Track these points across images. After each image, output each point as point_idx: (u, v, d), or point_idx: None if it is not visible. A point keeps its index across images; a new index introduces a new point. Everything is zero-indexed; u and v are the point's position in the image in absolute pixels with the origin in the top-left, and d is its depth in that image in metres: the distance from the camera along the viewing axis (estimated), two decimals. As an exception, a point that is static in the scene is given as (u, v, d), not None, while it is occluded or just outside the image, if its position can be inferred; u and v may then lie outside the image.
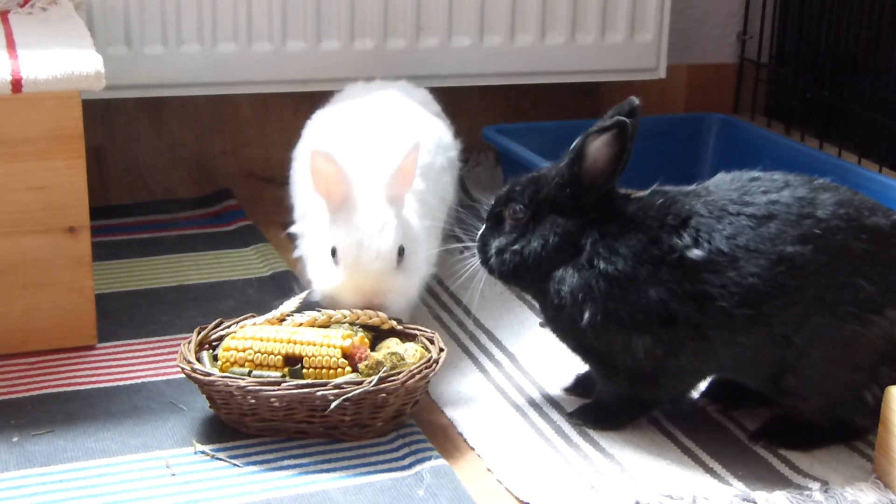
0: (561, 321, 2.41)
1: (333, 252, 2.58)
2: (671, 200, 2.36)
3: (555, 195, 2.39)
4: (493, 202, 2.48)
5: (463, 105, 3.88)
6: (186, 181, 3.69)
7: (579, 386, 2.60)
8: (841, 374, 2.29)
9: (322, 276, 2.62)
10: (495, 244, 2.44)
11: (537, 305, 2.53)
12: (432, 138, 2.98)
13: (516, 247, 2.41)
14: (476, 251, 2.50)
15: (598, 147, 2.34)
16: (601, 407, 2.47)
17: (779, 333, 2.26)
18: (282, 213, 3.58)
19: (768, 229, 2.25)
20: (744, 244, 2.25)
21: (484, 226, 2.49)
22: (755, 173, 2.37)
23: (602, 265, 2.31)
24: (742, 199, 2.30)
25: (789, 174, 2.36)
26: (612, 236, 2.33)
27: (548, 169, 2.44)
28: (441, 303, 3.03)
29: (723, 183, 2.37)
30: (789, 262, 2.24)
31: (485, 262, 2.48)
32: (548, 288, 2.39)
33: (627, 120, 2.33)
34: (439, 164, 2.97)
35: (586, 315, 2.33)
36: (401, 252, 2.59)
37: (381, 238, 2.56)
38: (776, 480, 2.29)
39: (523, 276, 2.43)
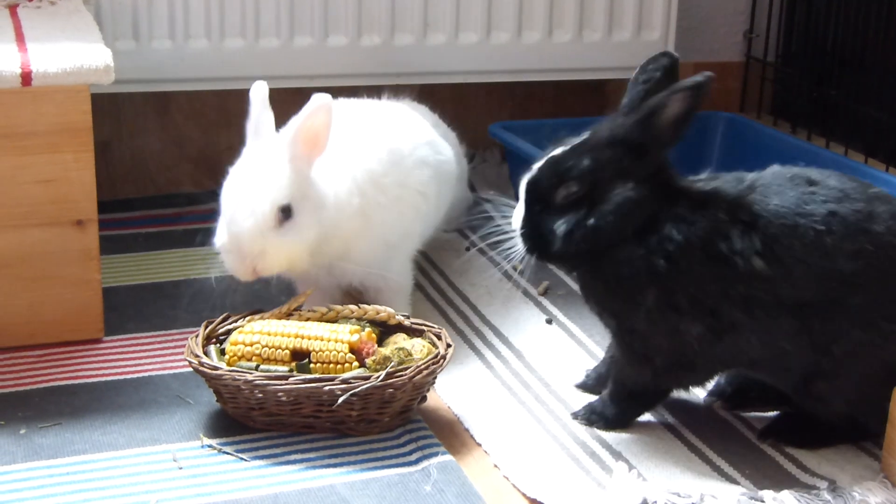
0: (613, 300, 2.34)
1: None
2: (740, 195, 2.29)
3: (619, 160, 2.26)
4: (529, 185, 2.32)
5: (469, 102, 3.88)
6: (192, 175, 3.69)
7: (590, 382, 2.60)
8: (872, 387, 2.30)
9: (216, 234, 2.54)
10: (560, 226, 2.28)
11: (577, 284, 2.45)
12: (411, 134, 2.93)
13: (590, 221, 2.26)
14: (523, 238, 2.32)
15: (676, 106, 2.24)
16: (607, 405, 2.47)
17: (819, 342, 2.26)
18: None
19: (825, 243, 2.23)
20: (801, 257, 2.23)
21: (523, 212, 2.33)
22: (811, 174, 2.33)
23: (672, 248, 2.24)
24: (803, 209, 2.25)
25: (845, 180, 2.32)
26: (683, 221, 2.26)
27: (590, 139, 2.30)
28: (447, 299, 3.03)
29: (782, 183, 2.31)
30: (841, 277, 2.23)
31: (540, 246, 2.31)
32: (602, 265, 2.30)
33: (710, 75, 2.24)
34: (417, 156, 2.88)
35: (648, 297, 2.27)
36: (286, 212, 2.48)
37: (259, 194, 2.45)
38: (784, 479, 2.29)
39: (583, 255, 2.30)
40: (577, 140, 2.32)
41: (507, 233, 2.37)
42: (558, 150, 2.31)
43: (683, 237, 2.25)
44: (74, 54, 2.59)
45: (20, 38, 2.73)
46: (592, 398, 2.53)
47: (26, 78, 2.52)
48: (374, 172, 2.73)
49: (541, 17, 3.63)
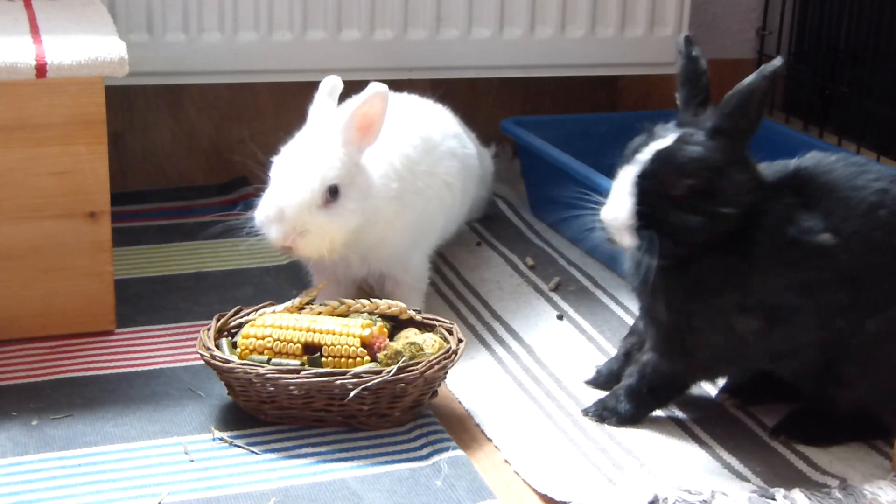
0: (691, 301, 2.30)
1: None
2: (795, 176, 2.31)
3: (725, 149, 2.23)
4: (642, 179, 2.22)
5: (481, 97, 3.88)
6: (204, 168, 3.69)
7: (601, 379, 2.60)
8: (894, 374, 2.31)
9: (260, 205, 2.57)
10: (691, 218, 2.21)
11: (657, 283, 2.30)
12: (441, 125, 3.01)
13: (723, 210, 2.22)
14: (638, 232, 2.23)
15: (763, 91, 2.22)
16: (620, 401, 2.47)
17: (858, 318, 2.27)
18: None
19: (879, 216, 2.26)
20: (857, 228, 2.25)
21: (631, 205, 2.23)
22: (854, 157, 2.39)
23: (756, 250, 2.25)
24: (855, 183, 2.29)
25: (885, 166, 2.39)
26: (764, 215, 2.25)
27: (691, 131, 2.25)
28: (458, 294, 3.03)
29: (829, 163, 2.34)
30: (892, 251, 2.26)
31: (663, 240, 2.21)
32: (689, 265, 2.26)
33: (782, 59, 2.25)
34: (446, 147, 2.96)
35: (727, 299, 2.26)
36: (334, 192, 2.52)
37: (311, 171, 2.51)
38: (794, 477, 2.29)
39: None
40: (666, 132, 2.27)
41: (595, 223, 2.31)
42: (661, 143, 2.24)
43: (766, 235, 2.25)
44: (89, 47, 2.59)
45: (35, 30, 2.74)
46: (601, 394, 2.53)
47: (41, 70, 2.53)
48: (409, 158, 2.79)
49: (554, 13, 3.63)
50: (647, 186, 2.23)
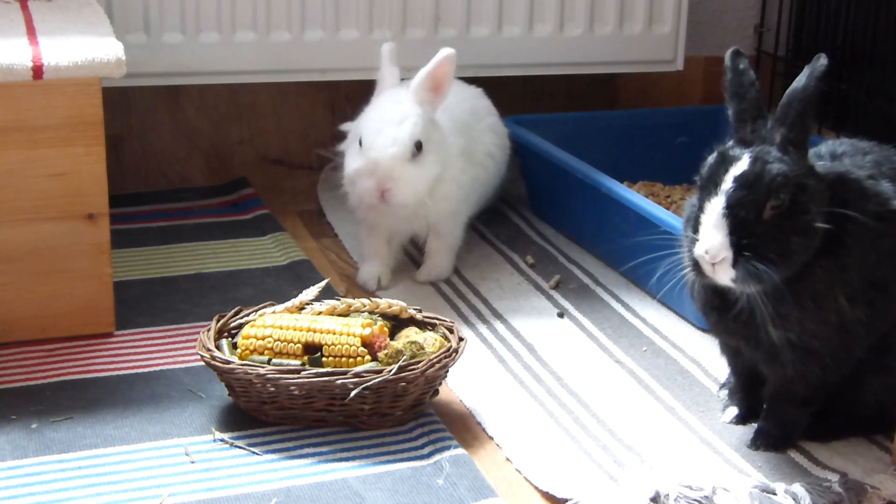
0: (808, 318, 2.21)
1: (360, 141, 2.84)
2: (845, 156, 2.33)
3: (796, 162, 2.17)
4: (731, 209, 2.12)
5: (480, 96, 3.88)
6: (203, 169, 3.69)
7: (742, 412, 2.48)
8: None
9: (349, 162, 2.88)
10: (795, 239, 2.14)
11: (765, 309, 2.19)
12: (485, 102, 3.34)
13: (817, 224, 2.15)
14: (747, 274, 2.12)
15: (816, 95, 2.19)
16: (782, 425, 2.38)
17: None
18: (298, 202, 3.60)
19: None
20: None
21: (723, 239, 2.13)
22: (865, 143, 2.43)
23: (849, 241, 2.20)
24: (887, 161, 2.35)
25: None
26: (843, 203, 2.20)
27: (761, 146, 2.17)
28: (459, 292, 3.02)
29: (851, 148, 2.38)
30: None
31: (770, 270, 2.12)
32: (794, 282, 2.17)
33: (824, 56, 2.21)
34: (488, 122, 3.27)
35: (839, 300, 2.21)
36: (419, 147, 2.83)
37: (399, 127, 2.81)
38: (795, 472, 2.29)
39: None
40: (737, 152, 2.17)
41: (679, 264, 2.23)
42: (739, 166, 2.14)
43: (848, 222, 2.19)
44: (86, 48, 2.59)
45: (31, 31, 2.73)
46: (604, 398, 2.53)
47: (38, 71, 2.52)
48: (464, 122, 3.13)
49: (552, 11, 3.62)
50: (738, 215, 2.12)
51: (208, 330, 2.48)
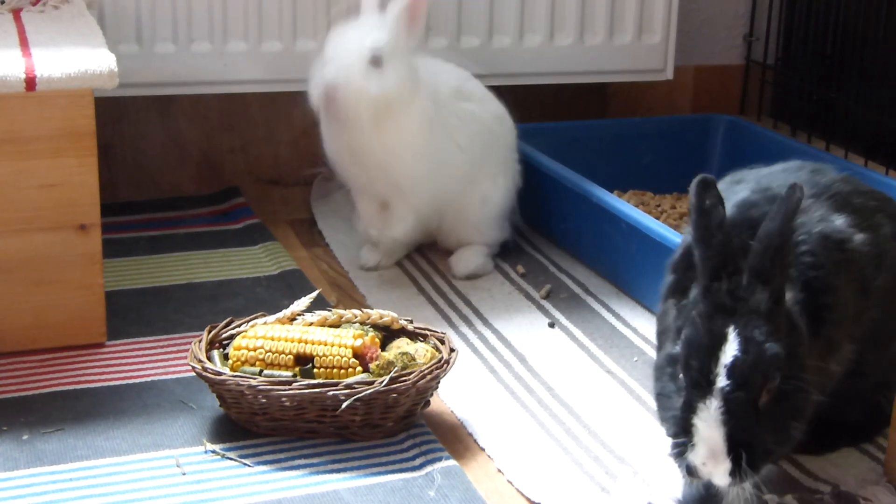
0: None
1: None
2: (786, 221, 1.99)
3: (784, 318, 2.00)
4: (733, 437, 1.91)
5: (470, 105, 3.88)
6: (195, 179, 3.69)
7: None
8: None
9: (312, 74, 2.88)
10: (782, 435, 1.98)
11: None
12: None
13: (812, 396, 2.01)
14: (745, 475, 1.94)
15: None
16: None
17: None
18: (289, 211, 3.61)
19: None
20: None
21: (729, 467, 1.93)
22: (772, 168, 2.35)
23: (831, 327, 2.11)
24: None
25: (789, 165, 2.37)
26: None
27: (746, 317, 1.93)
28: (450, 302, 3.03)
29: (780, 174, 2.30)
30: None
31: (769, 461, 2.00)
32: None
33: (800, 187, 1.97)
34: (463, 109, 3.18)
35: (834, 370, 2.13)
36: (377, 61, 2.82)
37: (358, 36, 2.83)
38: (787, 483, 2.29)
39: None
40: (721, 329, 1.92)
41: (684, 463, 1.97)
42: (730, 353, 1.91)
43: (830, 293, 2.10)
44: (78, 59, 2.59)
45: (24, 42, 2.73)
46: (596, 394, 2.53)
47: (30, 83, 2.52)
48: (441, 96, 3.10)
49: (542, 21, 3.63)
50: (736, 416, 1.90)
51: (200, 340, 2.48)
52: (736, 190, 2.26)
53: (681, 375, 1.96)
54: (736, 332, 1.91)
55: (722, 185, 2.17)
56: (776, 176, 2.31)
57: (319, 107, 2.86)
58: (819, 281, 2.10)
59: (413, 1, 2.88)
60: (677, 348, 1.98)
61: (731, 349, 1.90)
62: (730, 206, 2.10)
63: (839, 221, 2.21)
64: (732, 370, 1.89)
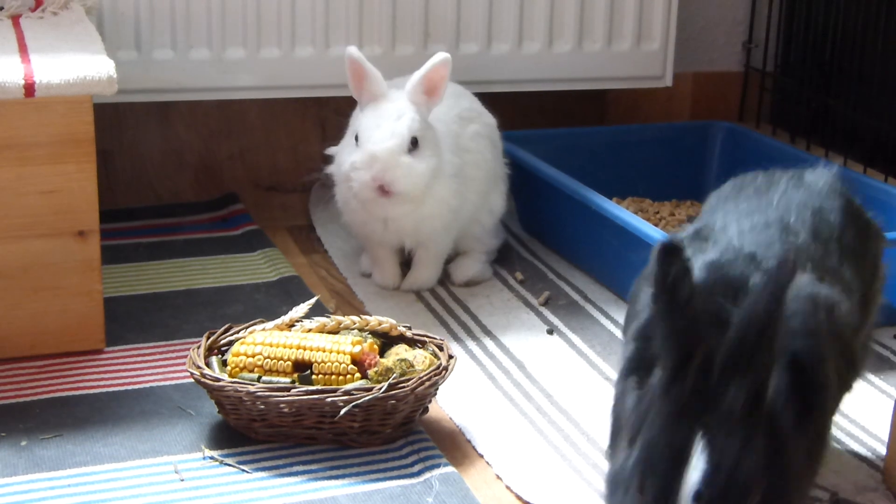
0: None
1: (357, 138, 2.92)
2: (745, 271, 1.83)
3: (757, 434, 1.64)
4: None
5: (469, 111, 3.88)
6: (193, 185, 3.69)
7: None
8: None
9: (344, 159, 2.95)
10: None
11: None
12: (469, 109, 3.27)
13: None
14: None
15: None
16: None
17: None
18: (288, 217, 3.60)
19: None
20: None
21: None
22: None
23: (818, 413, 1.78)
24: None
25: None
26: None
27: (731, 425, 1.59)
28: (448, 308, 3.03)
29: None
30: None
31: None
32: None
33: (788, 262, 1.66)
34: (471, 131, 3.21)
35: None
36: (415, 143, 2.90)
37: (397, 122, 2.89)
38: (785, 490, 2.29)
39: None
40: (683, 443, 1.58)
41: None
42: (693, 477, 1.56)
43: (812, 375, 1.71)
44: (77, 65, 2.59)
45: (23, 48, 2.73)
46: (599, 411, 2.53)
47: (29, 89, 2.52)
48: (463, 148, 3.16)
49: (541, 28, 3.64)
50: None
51: (198, 347, 2.48)
52: (703, 248, 1.97)
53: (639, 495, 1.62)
54: (704, 443, 1.56)
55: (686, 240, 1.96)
56: (745, 236, 1.98)
57: (365, 195, 2.90)
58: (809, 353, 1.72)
59: (431, 74, 2.92)
60: (633, 458, 1.65)
61: (697, 467, 1.56)
62: (698, 267, 1.84)
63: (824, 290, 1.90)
64: (699, 498, 1.55)
